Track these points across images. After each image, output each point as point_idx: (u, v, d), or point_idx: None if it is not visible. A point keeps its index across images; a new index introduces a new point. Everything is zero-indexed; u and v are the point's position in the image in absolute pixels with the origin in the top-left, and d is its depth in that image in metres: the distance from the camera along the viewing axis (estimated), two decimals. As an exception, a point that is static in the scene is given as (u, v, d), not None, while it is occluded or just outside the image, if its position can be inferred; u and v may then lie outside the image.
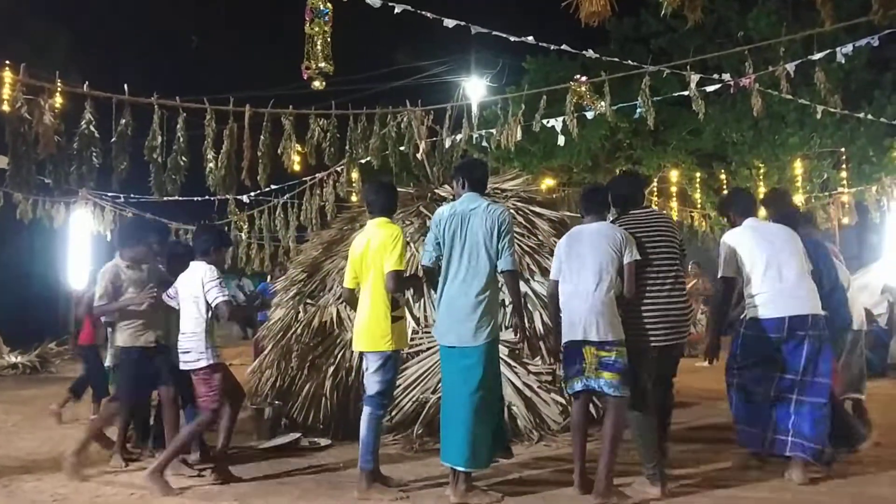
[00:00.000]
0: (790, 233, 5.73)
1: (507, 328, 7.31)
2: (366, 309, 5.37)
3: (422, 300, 7.45)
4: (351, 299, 5.69)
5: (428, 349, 7.25)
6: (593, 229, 5.22)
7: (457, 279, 5.13)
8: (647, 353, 5.13)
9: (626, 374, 4.96)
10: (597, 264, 5.04)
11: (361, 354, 7.22)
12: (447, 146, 10.71)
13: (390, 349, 5.30)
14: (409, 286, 5.98)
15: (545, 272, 7.46)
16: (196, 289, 5.62)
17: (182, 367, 5.69)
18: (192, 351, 5.59)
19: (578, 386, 5.08)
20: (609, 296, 5.00)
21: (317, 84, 8.75)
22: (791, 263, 5.53)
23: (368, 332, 5.34)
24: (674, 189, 19.78)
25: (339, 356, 7.42)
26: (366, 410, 5.34)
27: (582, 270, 5.09)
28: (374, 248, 5.35)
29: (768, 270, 5.49)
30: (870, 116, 14.09)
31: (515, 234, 7.71)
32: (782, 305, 5.41)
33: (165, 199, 9.46)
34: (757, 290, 5.49)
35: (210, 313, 5.61)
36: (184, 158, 8.67)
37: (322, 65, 8.60)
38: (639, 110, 9.79)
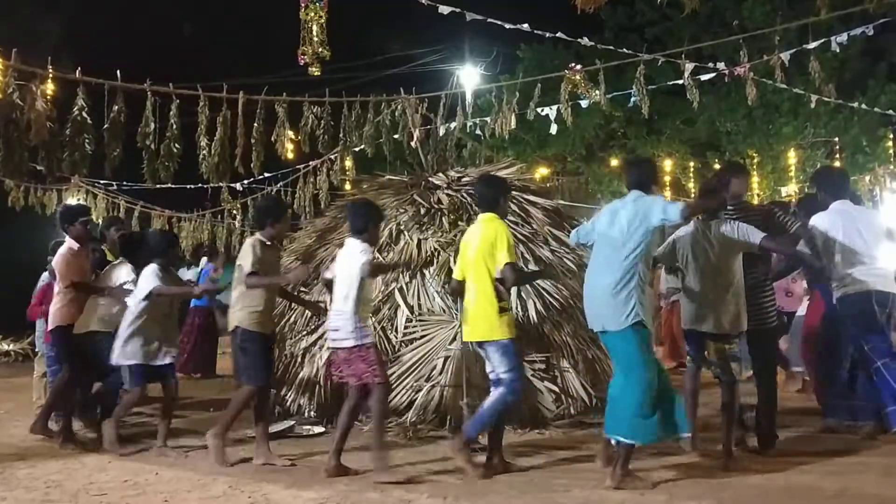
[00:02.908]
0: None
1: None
2: (475, 302, 5.48)
3: (416, 288, 7.46)
4: (458, 290, 5.83)
5: (422, 337, 7.25)
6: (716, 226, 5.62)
7: None
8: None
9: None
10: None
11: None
12: (441, 134, 10.69)
13: (505, 337, 5.41)
14: (530, 280, 5.96)
15: (539, 261, 7.47)
16: (350, 269, 5.56)
17: (331, 344, 5.66)
18: (340, 329, 5.52)
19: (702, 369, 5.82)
20: (735, 289, 5.52)
21: (313, 69, 8.71)
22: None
23: (481, 323, 5.45)
24: (668, 178, 19.79)
25: (332, 344, 7.41)
26: (499, 391, 5.41)
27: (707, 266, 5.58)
28: (480, 243, 5.49)
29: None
30: (863, 106, 14.12)
31: (509, 223, 7.73)
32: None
33: (158, 186, 9.41)
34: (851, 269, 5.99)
35: (359, 292, 5.52)
36: (177, 145, 8.62)
37: (319, 50, 8.55)
38: (633, 99, 9.78)
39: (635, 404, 5.01)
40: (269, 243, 6.12)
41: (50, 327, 6.96)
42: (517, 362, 5.49)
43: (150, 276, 6.42)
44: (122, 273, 6.84)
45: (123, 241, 7.24)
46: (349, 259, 5.62)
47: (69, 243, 6.94)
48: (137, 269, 6.67)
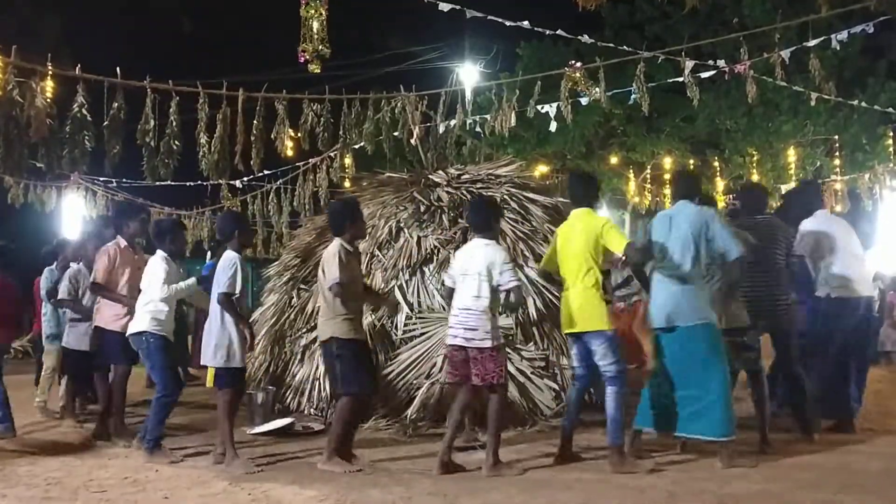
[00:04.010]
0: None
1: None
2: (579, 293, 5.51)
3: (416, 286, 7.46)
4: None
5: (421, 335, 7.25)
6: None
7: None
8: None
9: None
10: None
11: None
12: (441, 132, 10.68)
13: (610, 328, 5.50)
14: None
15: (538, 258, 7.47)
16: (481, 266, 5.46)
17: (465, 343, 5.49)
18: (478, 329, 5.43)
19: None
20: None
21: (313, 67, 8.70)
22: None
23: (587, 314, 5.49)
24: (667, 176, 19.79)
25: (332, 341, 7.41)
26: (610, 390, 5.47)
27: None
28: (584, 235, 5.52)
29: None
30: (863, 104, 14.11)
31: (508, 220, 7.76)
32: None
33: (158, 183, 9.40)
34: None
35: (497, 294, 5.48)
36: (176, 143, 8.61)
37: (319, 47, 8.54)
38: (633, 96, 9.77)
39: (723, 400, 5.40)
40: (351, 249, 5.89)
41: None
42: (621, 353, 5.56)
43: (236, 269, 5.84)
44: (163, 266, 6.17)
45: (157, 229, 6.57)
46: (485, 258, 5.49)
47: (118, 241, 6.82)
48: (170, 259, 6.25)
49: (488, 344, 5.42)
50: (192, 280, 6.22)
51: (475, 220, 5.77)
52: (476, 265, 5.52)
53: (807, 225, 6.64)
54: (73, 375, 7.56)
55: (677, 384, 5.56)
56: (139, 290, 6.49)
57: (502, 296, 5.50)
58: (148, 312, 6.11)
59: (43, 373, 8.15)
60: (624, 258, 5.54)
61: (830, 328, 6.55)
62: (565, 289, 5.66)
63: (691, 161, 19.14)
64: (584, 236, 5.55)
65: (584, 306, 5.50)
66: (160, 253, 6.23)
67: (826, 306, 6.56)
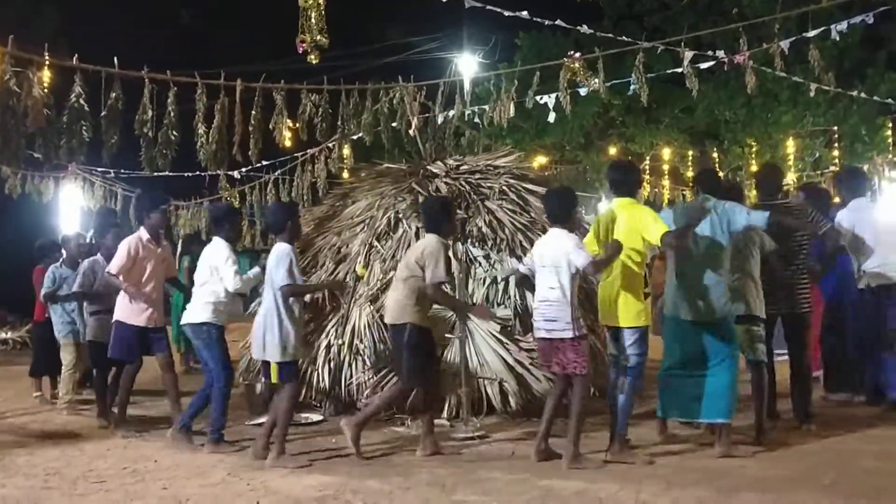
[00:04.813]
0: None
1: (499, 304, 7.32)
2: (620, 287, 5.46)
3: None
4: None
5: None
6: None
7: None
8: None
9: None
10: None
11: (370, 332, 7.27)
12: (439, 122, 10.65)
13: (645, 324, 5.50)
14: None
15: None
16: (556, 257, 5.44)
17: (547, 335, 5.50)
18: (559, 320, 5.41)
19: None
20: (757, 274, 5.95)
21: (312, 58, 8.66)
22: None
23: (626, 308, 5.46)
24: (666, 167, 19.79)
25: (331, 333, 7.42)
26: (625, 378, 5.50)
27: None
28: (626, 229, 5.45)
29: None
30: (863, 95, 14.10)
31: (507, 211, 7.76)
32: None
33: (156, 174, 9.38)
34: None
35: (576, 282, 5.47)
36: (174, 133, 8.58)
37: (318, 38, 8.51)
38: (632, 87, 9.75)
39: (732, 385, 5.52)
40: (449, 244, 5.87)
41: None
42: (647, 348, 5.58)
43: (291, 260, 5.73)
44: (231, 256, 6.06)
45: (214, 216, 6.47)
46: (558, 249, 5.46)
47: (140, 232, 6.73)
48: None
49: (569, 335, 5.42)
50: (257, 269, 6.10)
51: (551, 209, 5.76)
52: (550, 256, 5.52)
53: (843, 215, 6.66)
54: (97, 367, 7.33)
55: (688, 371, 5.62)
56: (164, 282, 6.66)
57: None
58: (209, 304, 6.03)
59: (63, 370, 7.84)
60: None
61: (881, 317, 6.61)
62: (604, 277, 5.58)
63: (690, 152, 19.12)
64: (627, 227, 5.47)
65: (623, 302, 5.46)
66: (220, 241, 6.08)
67: (871, 295, 6.64)
